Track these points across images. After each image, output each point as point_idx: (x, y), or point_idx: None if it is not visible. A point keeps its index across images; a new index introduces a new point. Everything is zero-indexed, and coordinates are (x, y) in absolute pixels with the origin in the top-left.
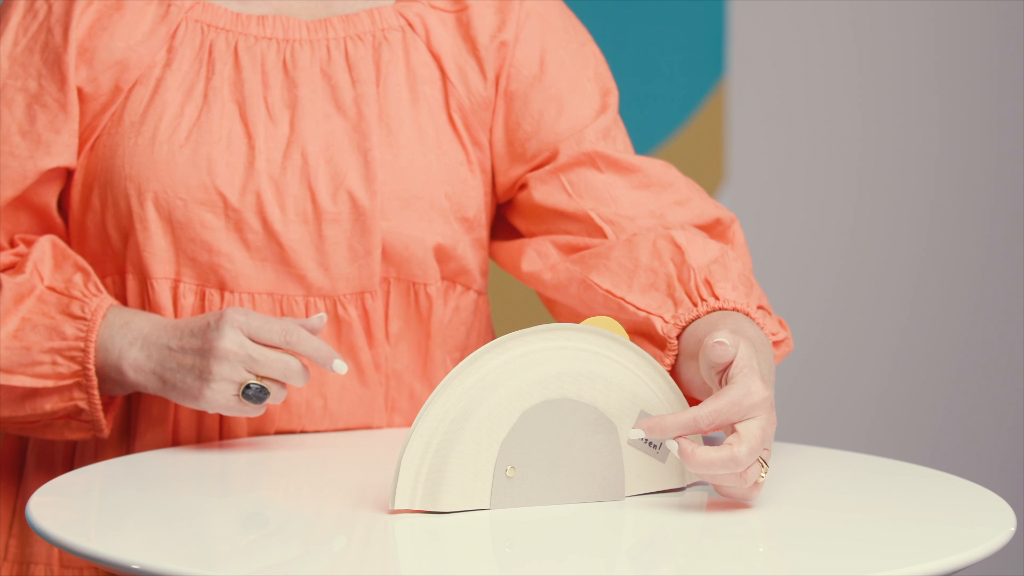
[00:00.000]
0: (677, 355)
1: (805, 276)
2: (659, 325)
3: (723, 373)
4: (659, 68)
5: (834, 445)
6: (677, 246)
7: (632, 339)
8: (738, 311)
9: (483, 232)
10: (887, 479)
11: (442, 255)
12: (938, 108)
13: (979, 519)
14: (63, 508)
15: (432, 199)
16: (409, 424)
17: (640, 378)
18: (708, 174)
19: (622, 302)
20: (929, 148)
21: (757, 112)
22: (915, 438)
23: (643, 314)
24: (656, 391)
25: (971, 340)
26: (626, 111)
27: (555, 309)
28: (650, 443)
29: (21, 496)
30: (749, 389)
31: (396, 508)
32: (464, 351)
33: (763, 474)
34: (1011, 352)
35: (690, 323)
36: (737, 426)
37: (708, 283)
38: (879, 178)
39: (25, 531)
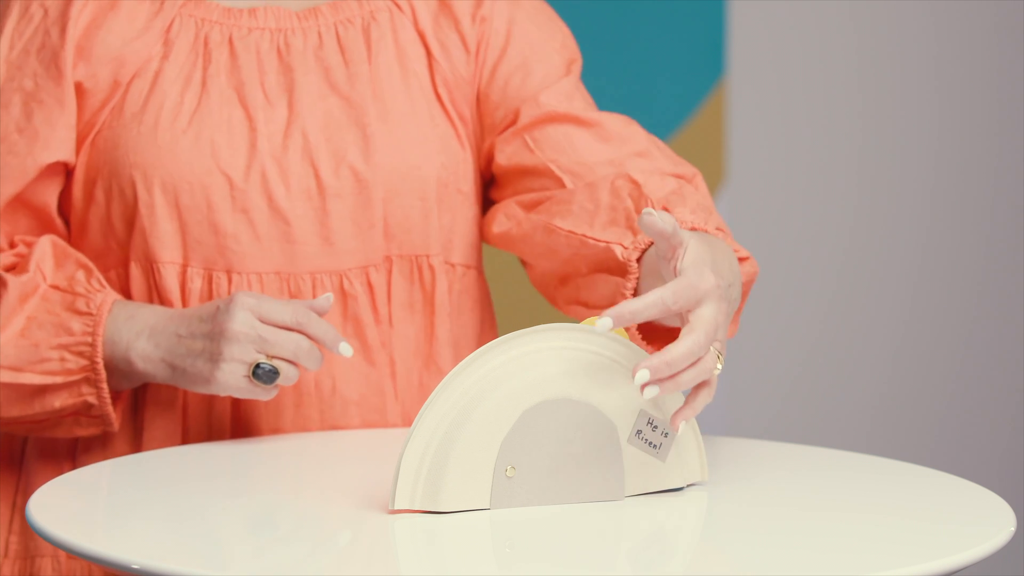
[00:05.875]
0: (639, 279)
1: (805, 276)
2: (619, 251)
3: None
4: (659, 68)
5: (834, 445)
6: (634, 182)
7: (594, 277)
8: (696, 230)
9: (476, 209)
10: (887, 479)
11: (442, 225)
12: (938, 108)
13: (979, 519)
14: (64, 507)
15: (429, 170)
16: (416, 411)
17: None
18: (708, 174)
19: (583, 238)
20: (929, 148)
21: (757, 112)
22: (915, 438)
23: (603, 244)
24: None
25: (971, 340)
26: (626, 111)
27: (531, 272)
28: (650, 443)
29: (21, 491)
30: (702, 275)
31: (396, 508)
32: (473, 329)
33: (719, 366)
34: (1011, 352)
35: (650, 246)
36: (689, 315)
37: (666, 210)
38: (879, 178)
39: (27, 525)
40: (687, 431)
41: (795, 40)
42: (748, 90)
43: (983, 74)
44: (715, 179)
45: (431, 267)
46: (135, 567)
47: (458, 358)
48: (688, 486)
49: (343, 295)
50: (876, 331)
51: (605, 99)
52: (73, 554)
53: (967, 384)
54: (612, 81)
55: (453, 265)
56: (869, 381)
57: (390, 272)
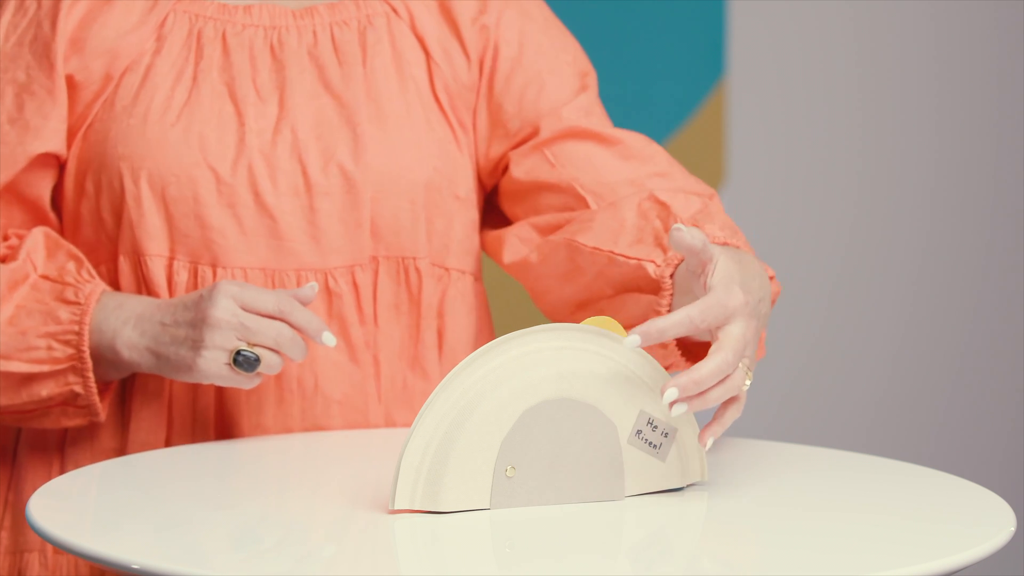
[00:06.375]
0: (672, 296)
1: (805, 276)
2: (651, 269)
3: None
4: (659, 68)
5: (834, 445)
6: (662, 203)
7: (624, 298)
8: (728, 244)
9: (475, 214)
10: (887, 479)
11: (435, 229)
12: (938, 108)
13: (979, 519)
14: (63, 508)
15: (422, 173)
16: (402, 415)
17: (640, 378)
18: (708, 174)
19: (611, 254)
20: (929, 148)
21: (757, 112)
22: (915, 438)
23: (634, 261)
24: (656, 391)
25: (971, 340)
26: (626, 111)
27: (542, 299)
28: (650, 443)
29: (13, 488)
30: (730, 292)
31: (396, 508)
32: (469, 335)
33: (747, 382)
34: (1011, 352)
35: (681, 262)
36: (718, 332)
37: (696, 227)
38: (879, 178)
39: (18, 521)
40: (687, 431)
41: (795, 40)
42: (748, 90)
43: (983, 74)
44: (715, 179)
45: (418, 270)
46: (135, 567)
47: (451, 363)
48: (688, 486)
49: (328, 293)
50: (876, 331)
51: (605, 99)
52: (75, 555)
53: (967, 384)
54: (612, 81)
55: (447, 270)
56: (869, 381)
57: (376, 272)
